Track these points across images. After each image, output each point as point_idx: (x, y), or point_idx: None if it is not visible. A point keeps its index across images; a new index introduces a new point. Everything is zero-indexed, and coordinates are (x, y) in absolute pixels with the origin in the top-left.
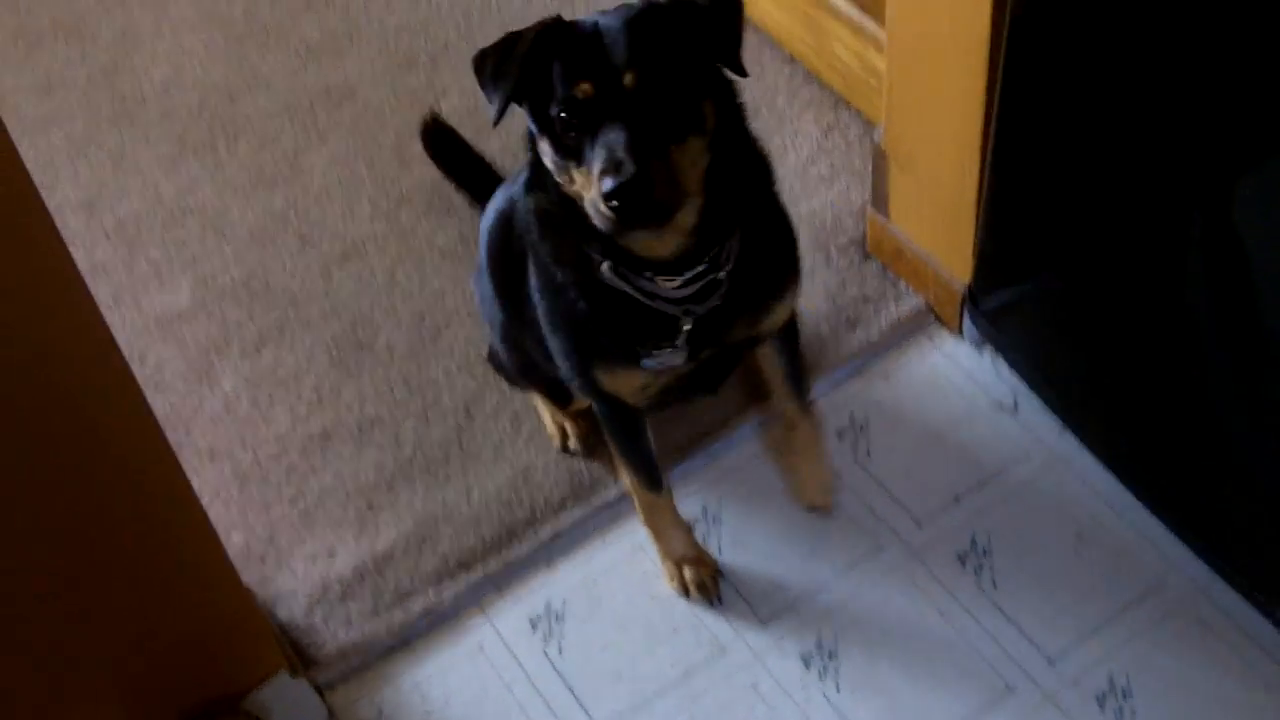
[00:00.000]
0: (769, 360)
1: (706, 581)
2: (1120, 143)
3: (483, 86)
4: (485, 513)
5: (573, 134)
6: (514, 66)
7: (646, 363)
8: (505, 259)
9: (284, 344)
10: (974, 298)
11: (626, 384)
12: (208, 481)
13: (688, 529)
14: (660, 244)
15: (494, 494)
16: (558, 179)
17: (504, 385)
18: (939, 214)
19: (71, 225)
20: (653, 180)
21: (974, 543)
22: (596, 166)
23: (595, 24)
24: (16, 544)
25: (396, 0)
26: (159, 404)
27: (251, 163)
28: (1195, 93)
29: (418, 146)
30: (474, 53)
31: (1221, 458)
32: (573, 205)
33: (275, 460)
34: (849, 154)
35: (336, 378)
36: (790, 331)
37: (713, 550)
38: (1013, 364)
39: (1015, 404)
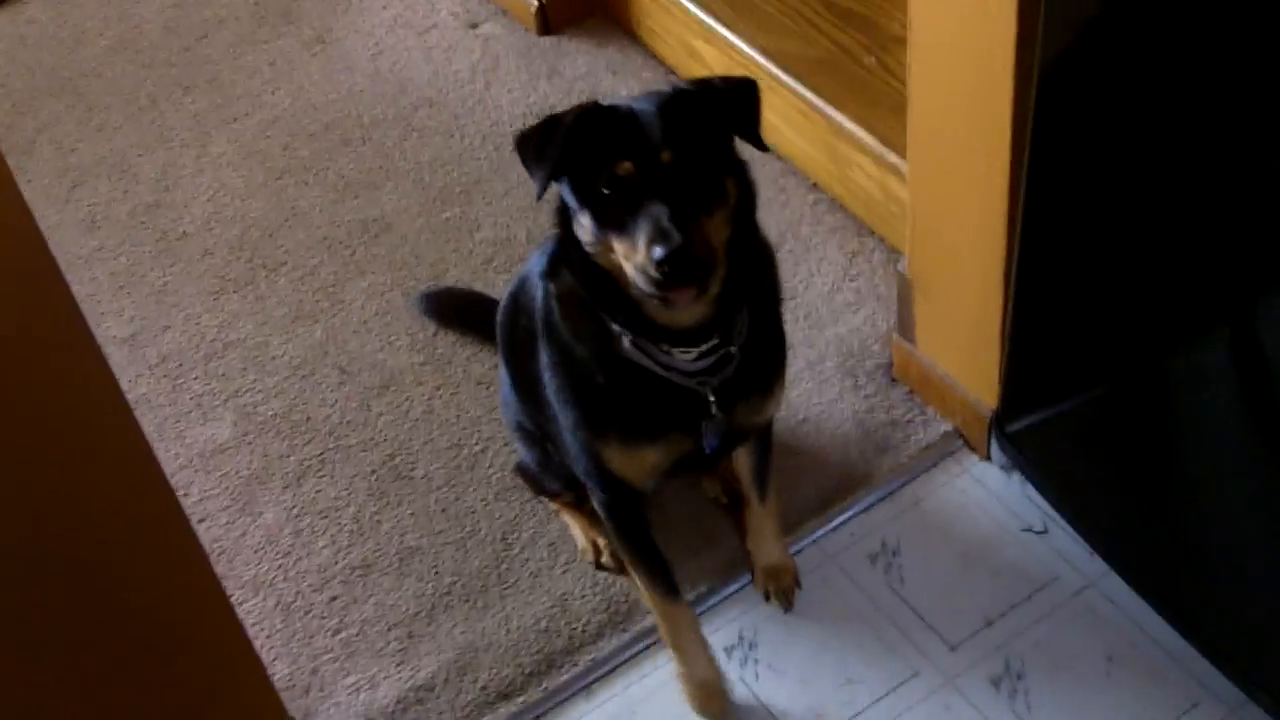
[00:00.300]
0: (741, 463)
1: (723, 713)
2: (1143, 267)
3: (525, 164)
4: (524, 641)
5: (615, 208)
6: (556, 146)
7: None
8: (514, 338)
9: (324, 475)
10: (1001, 422)
11: (638, 462)
12: (251, 612)
13: (707, 645)
14: (688, 311)
15: (532, 623)
16: (592, 250)
17: (540, 513)
18: (964, 341)
19: (115, 360)
20: (694, 246)
21: (1008, 666)
22: (643, 236)
23: (630, 108)
24: (65, 675)
25: (431, 136)
26: (202, 535)
27: (291, 296)
28: (1216, 218)
29: (453, 276)
30: (516, 136)
31: (1253, 580)
32: (599, 280)
33: (317, 591)
34: (873, 280)
35: (376, 508)
36: (765, 434)
37: (749, 676)
38: (1041, 488)
39: (1045, 527)
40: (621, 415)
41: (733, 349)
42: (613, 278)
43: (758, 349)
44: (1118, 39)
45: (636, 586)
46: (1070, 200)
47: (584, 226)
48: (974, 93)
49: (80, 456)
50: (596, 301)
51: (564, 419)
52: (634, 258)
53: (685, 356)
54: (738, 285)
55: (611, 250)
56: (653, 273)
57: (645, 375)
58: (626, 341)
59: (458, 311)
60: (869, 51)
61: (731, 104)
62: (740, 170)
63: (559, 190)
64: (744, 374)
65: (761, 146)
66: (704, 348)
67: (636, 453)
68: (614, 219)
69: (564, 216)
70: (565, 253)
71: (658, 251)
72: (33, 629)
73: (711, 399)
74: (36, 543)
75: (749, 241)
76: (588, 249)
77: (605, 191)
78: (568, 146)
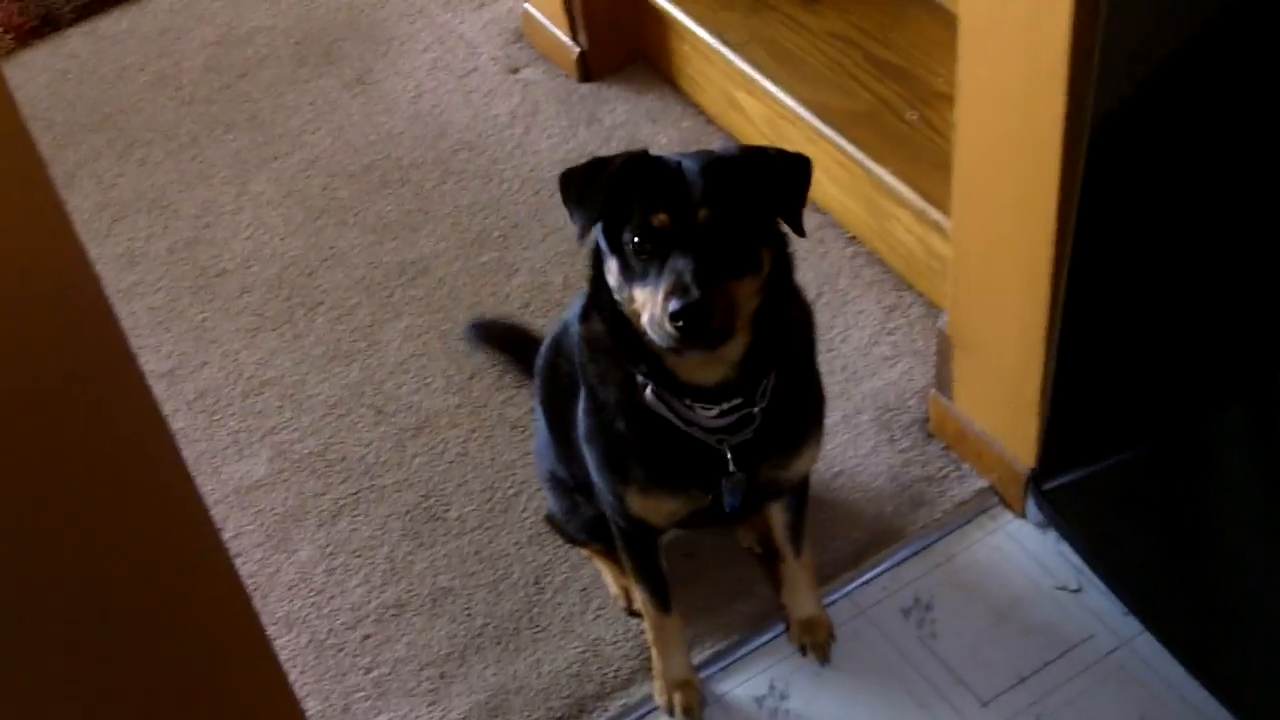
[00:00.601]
0: (775, 518)
1: (693, 705)
2: (1185, 328)
3: (566, 204)
4: (555, 686)
5: (643, 257)
6: (600, 191)
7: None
8: (554, 384)
9: (359, 514)
10: (1038, 480)
11: (656, 509)
12: (284, 649)
13: (688, 652)
14: (706, 370)
15: (564, 667)
16: (618, 296)
17: (573, 558)
18: (1003, 398)
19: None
20: (713, 306)
21: None
22: (663, 288)
23: (678, 163)
24: (100, 708)
25: (469, 179)
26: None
27: (328, 335)
28: (1257, 279)
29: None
30: (561, 174)
31: None
32: (625, 327)
33: (350, 629)
34: (911, 335)
35: (410, 548)
36: (801, 490)
37: None
38: (1076, 546)
39: (1079, 586)
40: (642, 463)
41: (754, 410)
42: (635, 326)
43: (784, 410)
44: (1170, 99)
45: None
46: (1116, 260)
47: (612, 272)
48: (1022, 149)
49: (128, 489)
50: (621, 349)
51: (591, 458)
52: (651, 308)
53: (706, 413)
54: (764, 351)
55: (634, 300)
56: (667, 326)
57: (665, 426)
58: (649, 392)
59: (503, 342)
60: (911, 106)
61: (780, 178)
62: (779, 241)
63: (595, 234)
64: (767, 434)
65: (799, 231)
66: (725, 406)
67: (655, 500)
68: (641, 268)
69: (598, 260)
70: (596, 297)
71: (673, 305)
72: (74, 662)
73: (729, 456)
74: (83, 575)
75: (780, 310)
76: (615, 295)
77: (637, 240)
78: (611, 191)
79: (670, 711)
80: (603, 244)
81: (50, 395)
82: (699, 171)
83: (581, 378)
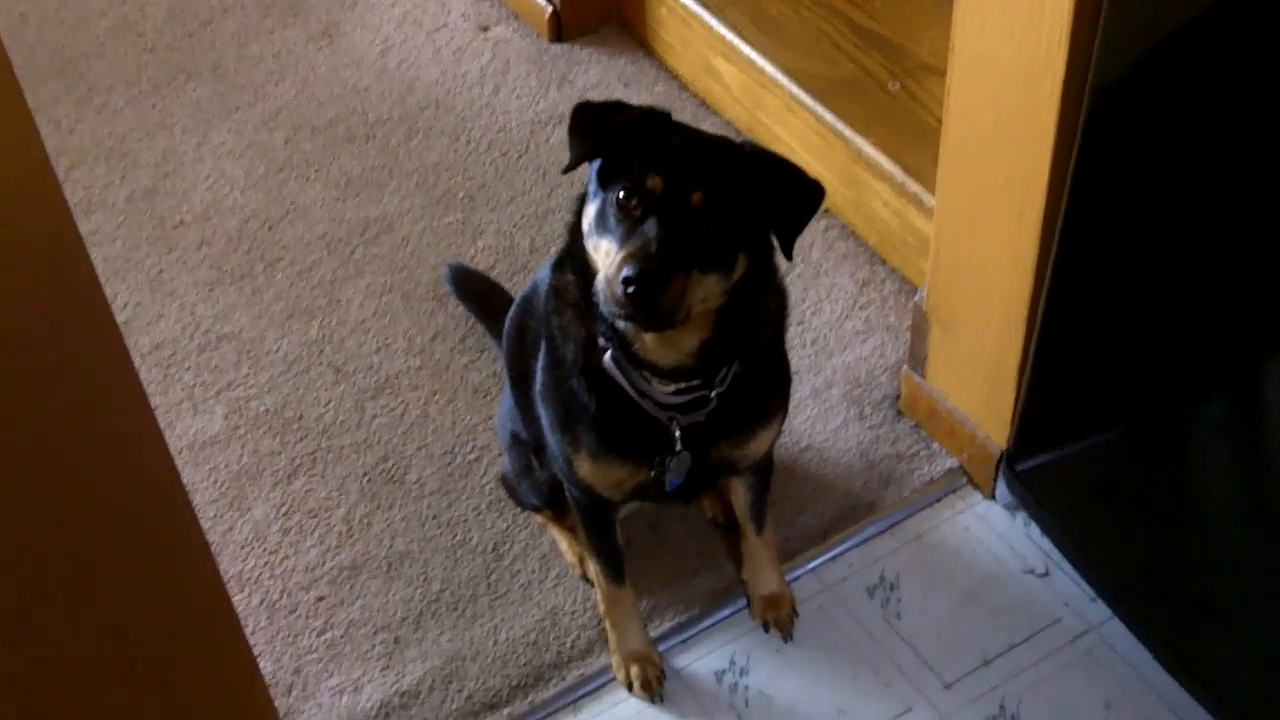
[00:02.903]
0: (736, 491)
1: (651, 680)
2: (1169, 312)
3: (571, 132)
4: (512, 654)
5: (623, 213)
6: (606, 129)
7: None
8: (521, 342)
9: (315, 474)
10: (1011, 461)
11: (604, 477)
12: (236, 609)
13: (644, 625)
14: (660, 351)
15: (521, 635)
16: (586, 241)
17: (532, 525)
18: (980, 377)
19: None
20: (667, 285)
21: (1002, 708)
22: (626, 248)
23: (693, 139)
24: (61, 663)
25: (436, 138)
26: None
27: (288, 291)
28: (1246, 267)
29: None
30: (574, 106)
31: (1257, 633)
32: (591, 281)
33: (304, 591)
34: (884, 310)
35: (367, 510)
36: (763, 468)
37: (738, 703)
38: (1046, 529)
39: (1047, 569)
40: (593, 427)
41: (711, 394)
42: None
43: (744, 395)
44: (1167, 78)
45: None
46: (1105, 240)
47: (589, 215)
48: (1016, 122)
49: (95, 437)
50: (586, 302)
51: (545, 416)
52: (606, 267)
53: (663, 388)
54: (726, 344)
55: (598, 249)
56: (616, 288)
57: (619, 393)
58: (608, 356)
59: (477, 296)
60: (894, 77)
61: (789, 194)
62: (763, 252)
63: (589, 171)
64: (722, 417)
65: (788, 255)
66: (681, 385)
67: (603, 467)
68: (616, 222)
69: (580, 208)
70: (572, 246)
71: (628, 269)
72: (35, 612)
73: (677, 434)
74: (48, 522)
75: (750, 308)
76: (584, 240)
77: (623, 193)
78: (618, 135)
79: (629, 686)
80: (592, 185)
81: (22, 335)
82: (711, 154)
83: (544, 330)
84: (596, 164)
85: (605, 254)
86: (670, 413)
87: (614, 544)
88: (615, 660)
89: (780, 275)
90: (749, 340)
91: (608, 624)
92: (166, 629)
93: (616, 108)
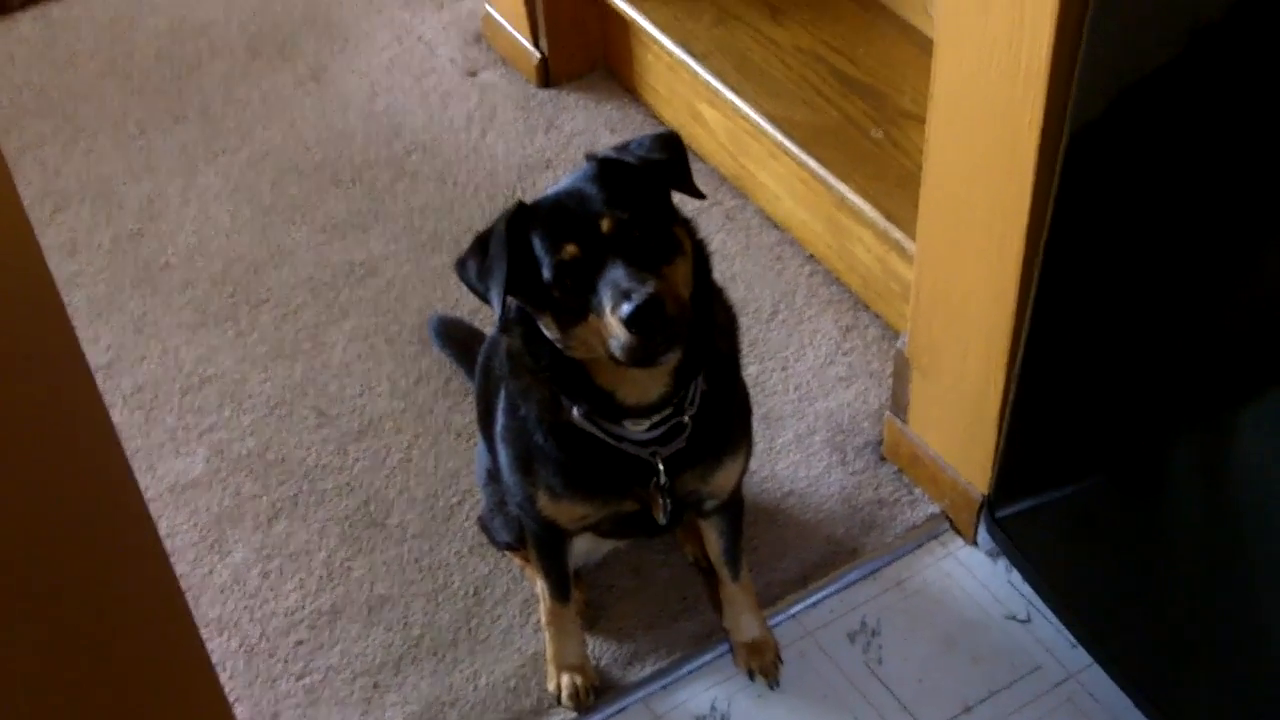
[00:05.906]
0: (710, 539)
1: (581, 691)
2: (1150, 358)
3: (472, 286)
4: (491, 699)
5: (572, 296)
6: (500, 258)
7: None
8: (488, 381)
9: (296, 517)
10: (992, 507)
11: (567, 512)
12: (214, 652)
13: (583, 640)
14: (646, 383)
15: (501, 681)
16: (564, 345)
17: (514, 570)
18: (960, 423)
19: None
20: (662, 296)
21: None
22: (608, 304)
23: (555, 195)
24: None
25: (423, 181)
26: None
27: (272, 334)
28: (1226, 307)
29: None
30: (455, 264)
31: (1237, 681)
32: (567, 371)
33: (283, 635)
34: (866, 356)
35: (348, 554)
36: (734, 514)
37: None
38: (1027, 576)
39: (1029, 616)
40: (558, 471)
41: (685, 419)
42: (583, 367)
43: (712, 418)
44: (1145, 118)
45: (537, 586)
46: (1084, 287)
47: (550, 327)
48: (995, 166)
49: (64, 476)
50: (563, 389)
51: (503, 457)
52: (607, 333)
53: (637, 428)
54: (694, 354)
55: (585, 342)
56: (629, 339)
57: (592, 442)
58: (576, 412)
59: (460, 345)
60: (876, 124)
61: (658, 159)
62: (688, 224)
63: (511, 306)
64: (693, 442)
65: (698, 194)
66: (656, 419)
67: (566, 505)
68: (577, 307)
69: (514, 322)
70: (531, 348)
71: (625, 309)
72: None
73: (660, 467)
74: (12, 559)
75: (707, 302)
76: (559, 345)
77: (560, 284)
78: (511, 254)
79: (558, 697)
80: (527, 308)
81: None
82: (579, 191)
83: (504, 387)
84: (501, 296)
85: (599, 329)
86: (651, 448)
87: (563, 565)
88: (549, 669)
89: (725, 292)
90: (709, 349)
91: (547, 635)
92: (137, 676)
93: (485, 237)
